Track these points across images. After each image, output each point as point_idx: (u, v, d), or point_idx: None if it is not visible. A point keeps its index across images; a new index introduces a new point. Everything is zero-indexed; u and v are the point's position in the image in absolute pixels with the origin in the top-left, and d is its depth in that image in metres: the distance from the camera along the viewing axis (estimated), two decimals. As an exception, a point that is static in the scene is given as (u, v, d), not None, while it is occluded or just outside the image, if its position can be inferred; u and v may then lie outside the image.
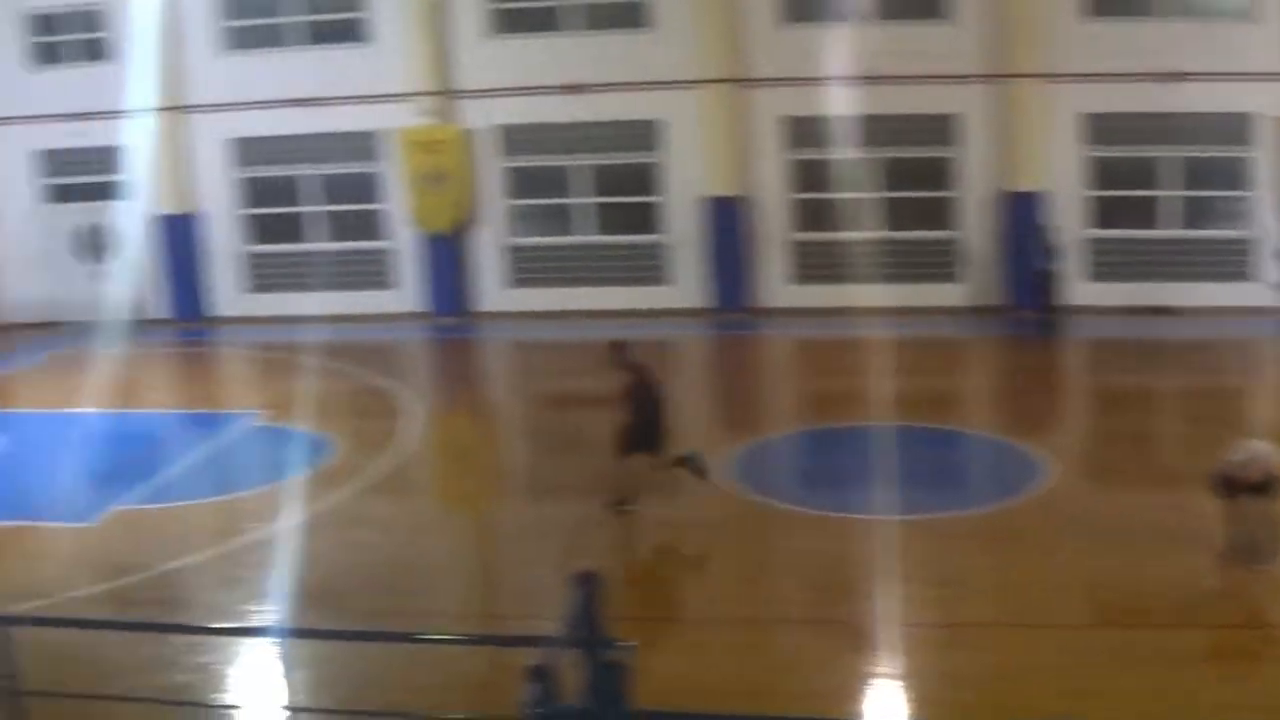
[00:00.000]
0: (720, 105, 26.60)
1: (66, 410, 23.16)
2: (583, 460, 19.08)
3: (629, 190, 27.80)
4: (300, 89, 28.01)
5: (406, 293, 28.51)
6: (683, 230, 27.34)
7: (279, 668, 7.85)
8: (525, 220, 28.24)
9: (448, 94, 27.31)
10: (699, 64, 26.46)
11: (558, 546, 15.62)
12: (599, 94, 26.97)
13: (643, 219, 27.80)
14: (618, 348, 16.73)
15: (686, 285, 27.56)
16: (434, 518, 17.82)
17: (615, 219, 28.00)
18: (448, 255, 27.89)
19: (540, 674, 7.11)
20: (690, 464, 16.77)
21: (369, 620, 13.37)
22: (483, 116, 27.49)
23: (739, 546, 15.64)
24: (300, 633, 9.29)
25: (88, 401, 24.17)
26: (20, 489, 19.90)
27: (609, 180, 27.81)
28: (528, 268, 28.22)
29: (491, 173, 27.78)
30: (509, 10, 27.21)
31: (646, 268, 27.86)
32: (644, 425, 16.31)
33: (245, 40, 28.67)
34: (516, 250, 28.15)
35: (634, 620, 10.91)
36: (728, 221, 26.86)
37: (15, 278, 30.64)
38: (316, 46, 28.20)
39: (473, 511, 17.99)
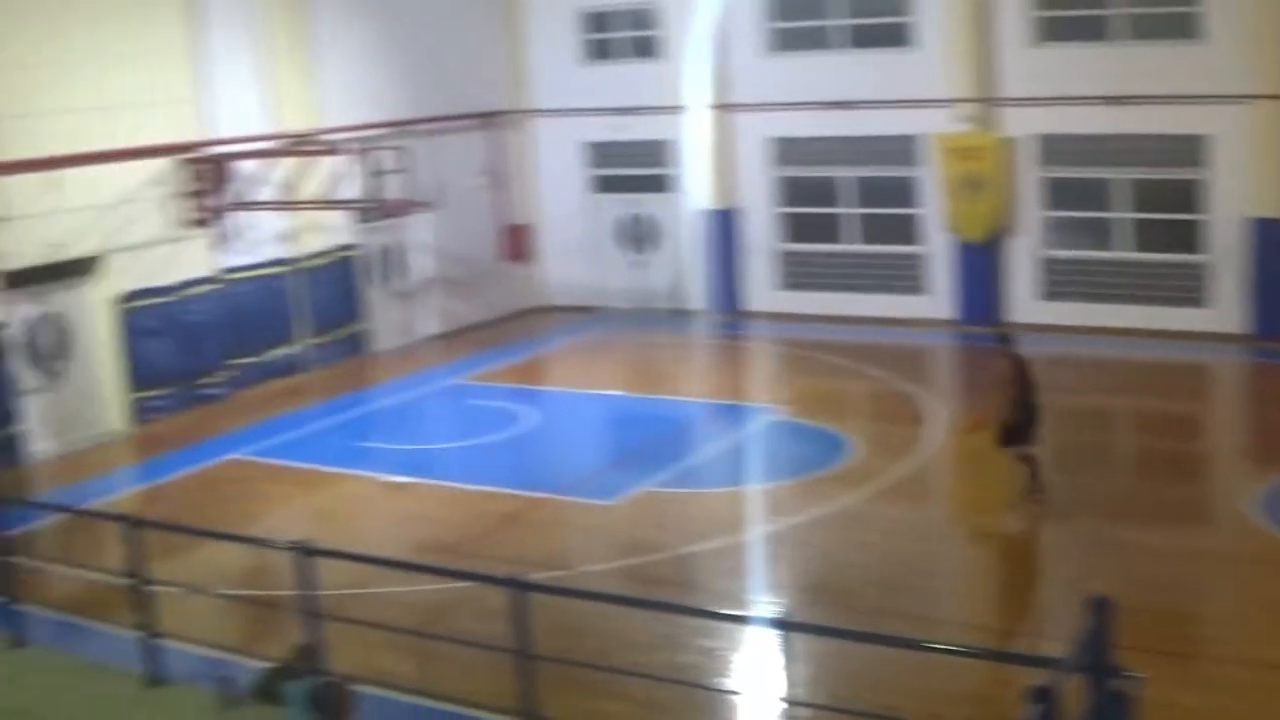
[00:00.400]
0: (1272, 122, 24.91)
1: (597, 391, 24.27)
2: (1105, 481, 18.42)
3: (1169, 207, 26.48)
4: (841, 91, 28.23)
5: (937, 299, 28.24)
6: (1225, 251, 25.79)
7: (779, 658, 7.90)
8: (1060, 232, 27.41)
9: (989, 101, 26.86)
10: (1251, 78, 24.87)
11: (1069, 567, 15.13)
12: (1143, 106, 25.81)
13: (1183, 237, 26.41)
14: (1003, 338, 17.64)
15: (1226, 309, 25.99)
16: (945, 526, 17.65)
17: (1154, 236, 26.73)
18: (981, 264, 27.45)
19: (1043, 695, 6.88)
20: (1032, 465, 17.16)
21: (871, 621, 13.37)
22: (1023, 125, 26.88)
23: (1264, 584, 14.62)
24: (804, 627, 9.36)
25: (618, 384, 25.30)
26: (550, 464, 21.08)
27: (1148, 195, 26.58)
28: (1062, 280, 27.39)
29: (1028, 182, 27.13)
30: (1054, 19, 26.44)
31: (1185, 289, 26.47)
32: (1019, 416, 16.82)
33: (790, 42, 29.16)
34: (1051, 262, 27.37)
35: (1143, 651, 10.36)
36: (1273, 243, 25.15)
37: (560, 262, 32.39)
38: (859, 50, 28.34)
39: (985, 523, 17.66)
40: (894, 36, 27.90)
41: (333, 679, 9.32)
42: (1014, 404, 16.80)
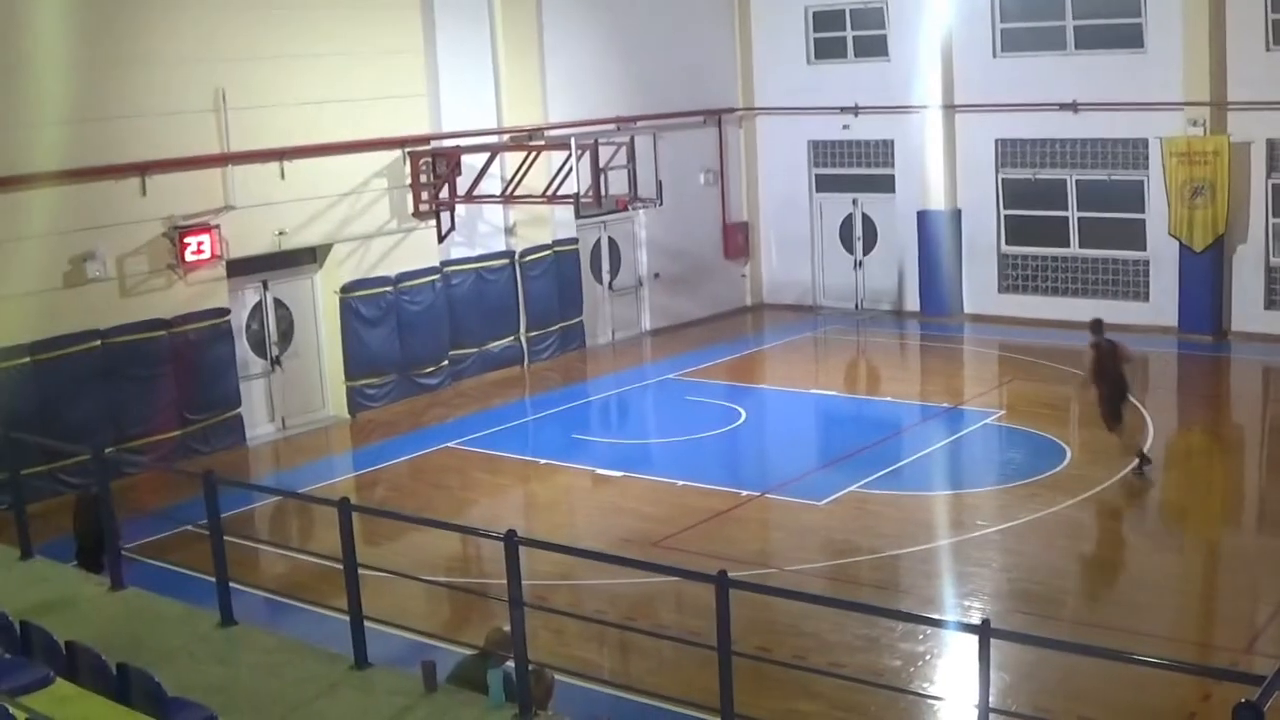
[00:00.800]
0: None
1: (811, 391, 24.13)
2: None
3: None
4: (1067, 93, 27.58)
5: (1159, 305, 27.41)
6: None
7: (979, 665, 7.76)
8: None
9: (1218, 105, 25.92)
10: None
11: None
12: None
13: None
14: (1096, 326, 19.34)
15: None
16: (1156, 537, 17.14)
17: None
18: (1204, 271, 26.53)
19: (1250, 713, 6.58)
20: (1144, 462, 18.39)
21: (1073, 630, 13.08)
22: (1250, 130, 25.88)
23: None
24: (1005, 634, 9.16)
25: (832, 385, 25.15)
26: (761, 462, 21.07)
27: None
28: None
29: (1256, 188, 26.12)
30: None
31: None
32: (1106, 399, 18.62)
33: (1018, 43, 28.58)
34: (1276, 271, 26.33)
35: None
36: None
37: (779, 260, 32.30)
38: (1086, 52, 27.63)
39: (1197, 535, 17.15)
40: (1121, 38, 27.13)
41: (536, 666, 9.42)
42: (1099, 393, 18.75)
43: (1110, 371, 18.70)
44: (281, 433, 22.85)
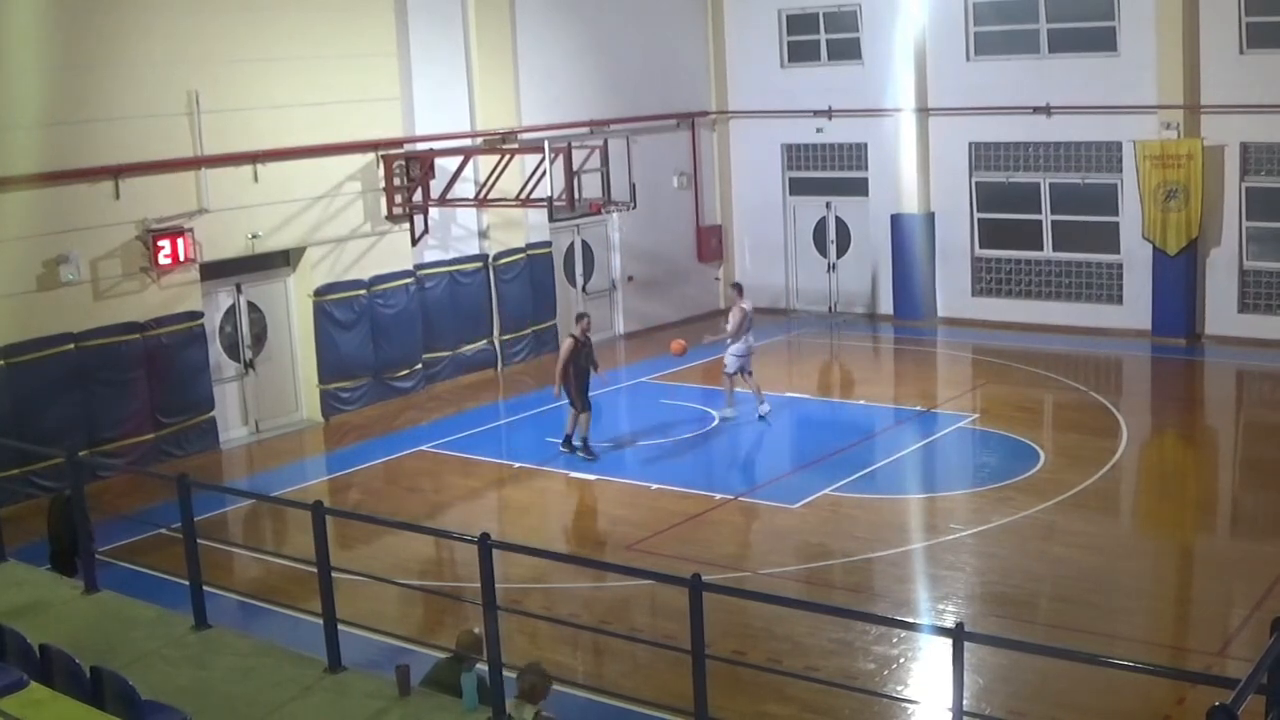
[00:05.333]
0: None
1: (785, 394, 24.17)
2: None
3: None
4: (1040, 96, 27.69)
5: (1132, 309, 27.53)
6: None
7: (953, 668, 7.80)
8: (1259, 243, 26.45)
9: (1192, 109, 26.04)
10: None
11: (1255, 586, 14.63)
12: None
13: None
14: None
15: None
16: (1130, 540, 17.22)
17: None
18: (1178, 274, 26.65)
19: (1224, 717, 6.61)
20: None
21: (1048, 634, 13.14)
22: (1223, 133, 26.00)
23: None
24: (979, 638, 9.21)
25: (806, 388, 25.20)
26: (735, 466, 21.12)
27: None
28: (1261, 293, 26.46)
29: (1229, 192, 26.26)
30: (1263, 25, 25.48)
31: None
32: None
33: (992, 46, 28.66)
34: (1249, 274, 26.47)
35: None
36: None
37: (753, 264, 32.34)
38: (1059, 55, 27.73)
39: (1171, 538, 17.25)
40: (1094, 41, 27.25)
41: (536, 666, 9.40)
42: None
43: None
44: (255, 436, 22.80)
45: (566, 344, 20.77)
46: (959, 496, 18.29)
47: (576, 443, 20.62)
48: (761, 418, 22.23)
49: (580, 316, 21.35)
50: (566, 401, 20.73)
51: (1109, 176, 27.59)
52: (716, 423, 22.33)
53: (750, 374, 22.45)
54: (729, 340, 22.34)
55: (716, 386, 23.51)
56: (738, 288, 23.56)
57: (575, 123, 27.65)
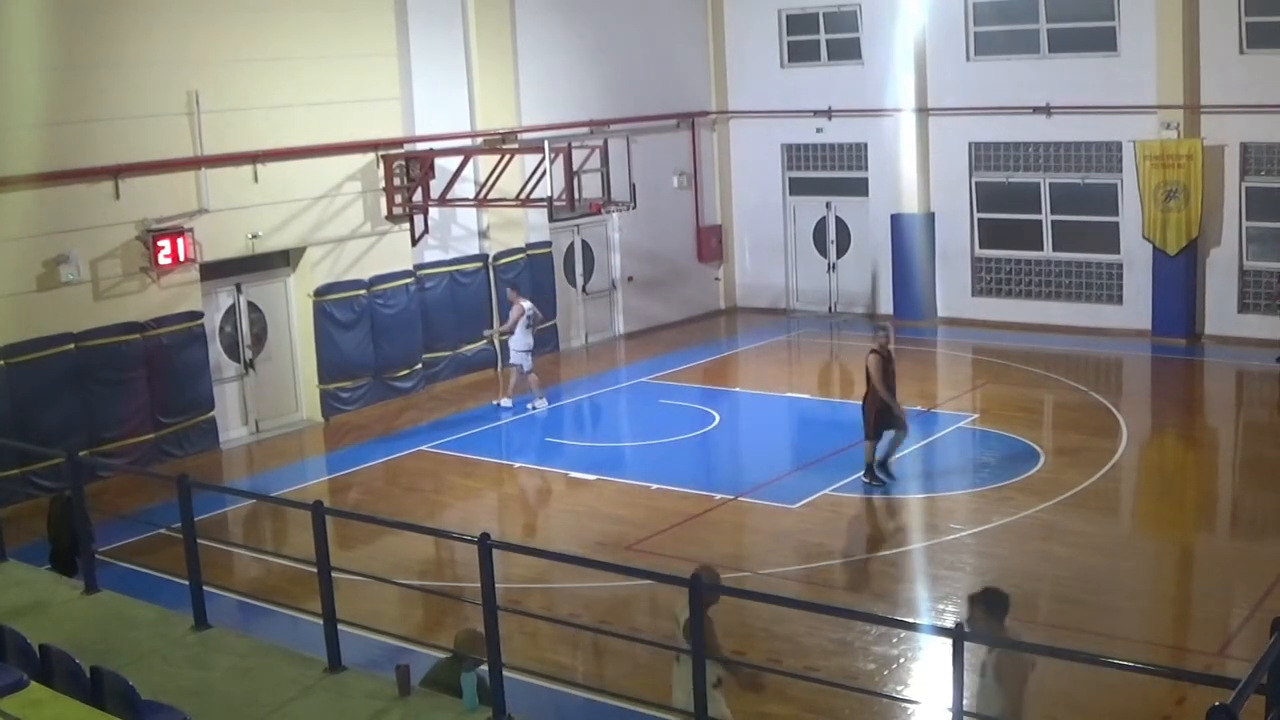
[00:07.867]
0: None
1: (784, 394, 24.16)
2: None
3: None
4: (1040, 96, 27.69)
5: (1131, 309, 27.53)
6: None
7: (955, 668, 7.78)
8: (1259, 243, 26.44)
9: (1192, 108, 26.03)
10: None
11: (1255, 586, 14.63)
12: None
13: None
14: None
15: None
16: (1130, 540, 17.21)
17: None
18: (1178, 274, 26.64)
19: (1224, 717, 6.60)
20: None
21: (1047, 634, 13.11)
22: (1223, 133, 26.00)
23: None
24: (978, 637, 9.19)
25: (805, 388, 25.19)
26: (735, 466, 21.11)
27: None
28: (1261, 293, 26.45)
29: (1229, 192, 26.25)
30: (1263, 24, 25.48)
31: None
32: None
33: (992, 46, 28.66)
34: (1249, 274, 26.45)
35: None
36: None
37: (753, 264, 32.36)
38: (1059, 55, 27.73)
39: (1171, 539, 17.22)
40: (1095, 42, 27.24)
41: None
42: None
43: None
44: (255, 436, 22.80)
45: (873, 360, 18.77)
46: (959, 496, 18.29)
47: (880, 474, 18.88)
48: (533, 408, 23.43)
49: (879, 328, 19.79)
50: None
51: (1109, 176, 27.59)
52: (717, 422, 22.33)
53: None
54: (509, 336, 23.72)
55: (717, 387, 23.51)
56: (514, 287, 24.54)
57: (575, 123, 27.65)
